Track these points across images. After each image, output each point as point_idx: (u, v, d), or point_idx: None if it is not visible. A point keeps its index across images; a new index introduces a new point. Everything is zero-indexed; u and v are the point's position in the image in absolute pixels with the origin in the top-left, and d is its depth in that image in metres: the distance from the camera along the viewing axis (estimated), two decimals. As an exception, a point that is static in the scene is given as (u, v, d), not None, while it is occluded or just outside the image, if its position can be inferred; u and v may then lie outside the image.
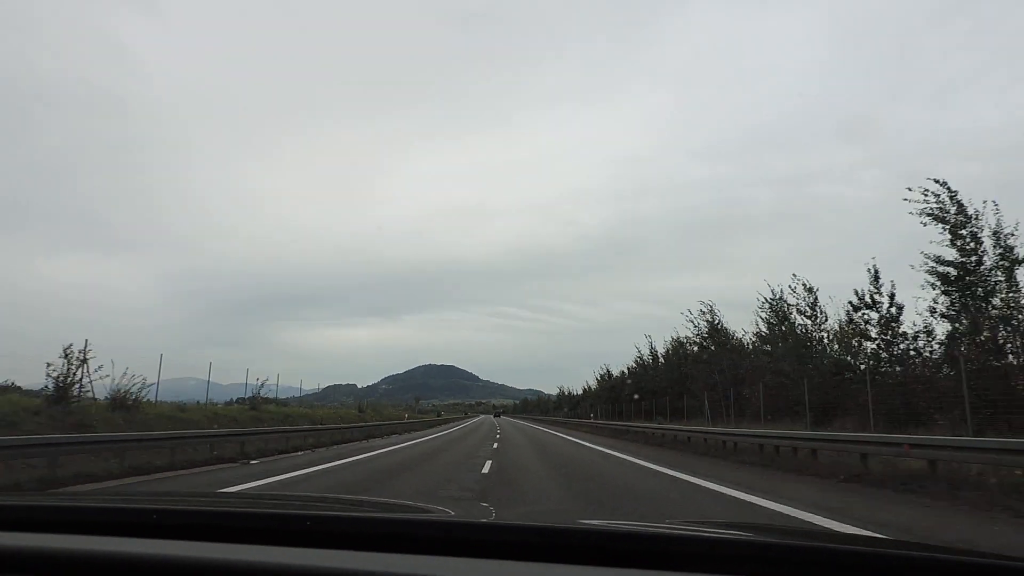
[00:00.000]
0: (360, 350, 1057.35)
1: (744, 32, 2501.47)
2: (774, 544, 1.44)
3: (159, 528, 1.42)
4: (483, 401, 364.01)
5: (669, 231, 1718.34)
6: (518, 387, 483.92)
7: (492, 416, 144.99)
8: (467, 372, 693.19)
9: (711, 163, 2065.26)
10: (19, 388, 23.05)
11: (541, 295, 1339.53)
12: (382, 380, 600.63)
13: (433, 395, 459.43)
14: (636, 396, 43.85)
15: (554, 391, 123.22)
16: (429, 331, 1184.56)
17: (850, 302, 22.34)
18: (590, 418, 56.96)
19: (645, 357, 51.65)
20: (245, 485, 10.36)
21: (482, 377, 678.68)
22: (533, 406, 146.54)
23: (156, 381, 24.08)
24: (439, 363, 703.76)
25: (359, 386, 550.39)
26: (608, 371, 66.46)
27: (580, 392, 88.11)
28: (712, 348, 35.89)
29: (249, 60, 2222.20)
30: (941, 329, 18.94)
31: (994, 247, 17.48)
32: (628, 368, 56.21)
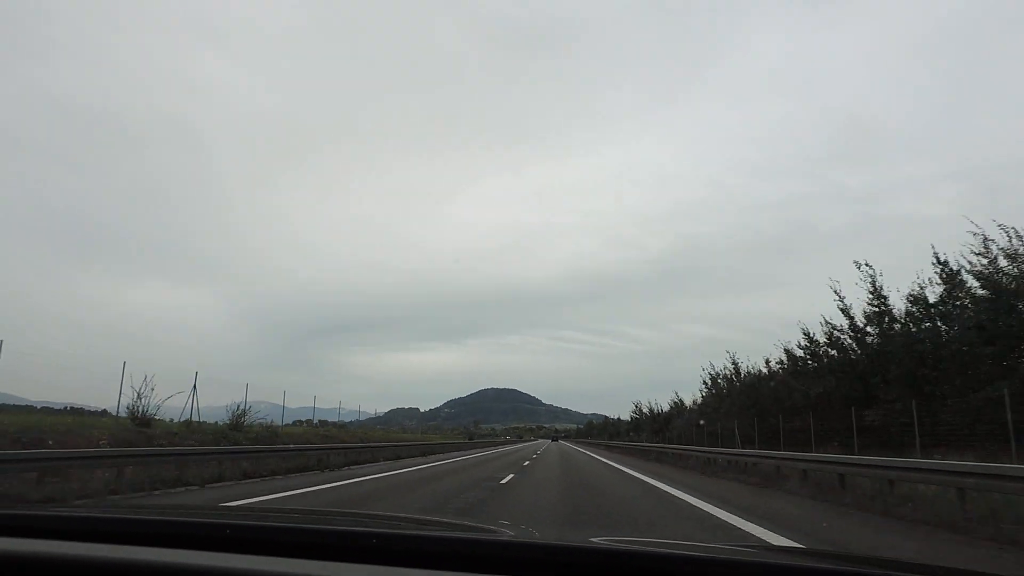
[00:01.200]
0: (424, 374, 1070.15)
1: (810, 46, 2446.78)
2: (794, 567, 1.47)
3: (229, 541, 1.45)
4: (545, 425, 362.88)
5: (733, 252, 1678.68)
6: (581, 411, 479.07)
7: (550, 440, 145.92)
8: (530, 396, 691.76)
9: (776, 181, 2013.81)
10: (107, 412, 26.54)
11: (603, 319, 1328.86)
12: (445, 404, 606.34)
13: (496, 419, 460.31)
14: (702, 422, 42.62)
15: (617, 415, 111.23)
16: (492, 355, 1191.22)
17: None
18: (654, 443, 52.59)
19: (720, 380, 45.97)
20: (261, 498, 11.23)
21: (545, 401, 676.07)
22: (599, 429, 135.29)
23: (245, 402, 27.23)
24: (501, 387, 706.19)
25: (421, 410, 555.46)
26: (680, 399, 60.78)
27: (645, 414, 78.70)
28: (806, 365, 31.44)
29: (315, 92, 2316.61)
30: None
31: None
32: (703, 391, 49.84)
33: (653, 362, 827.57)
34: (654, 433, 61.41)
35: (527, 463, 26.45)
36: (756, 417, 30.32)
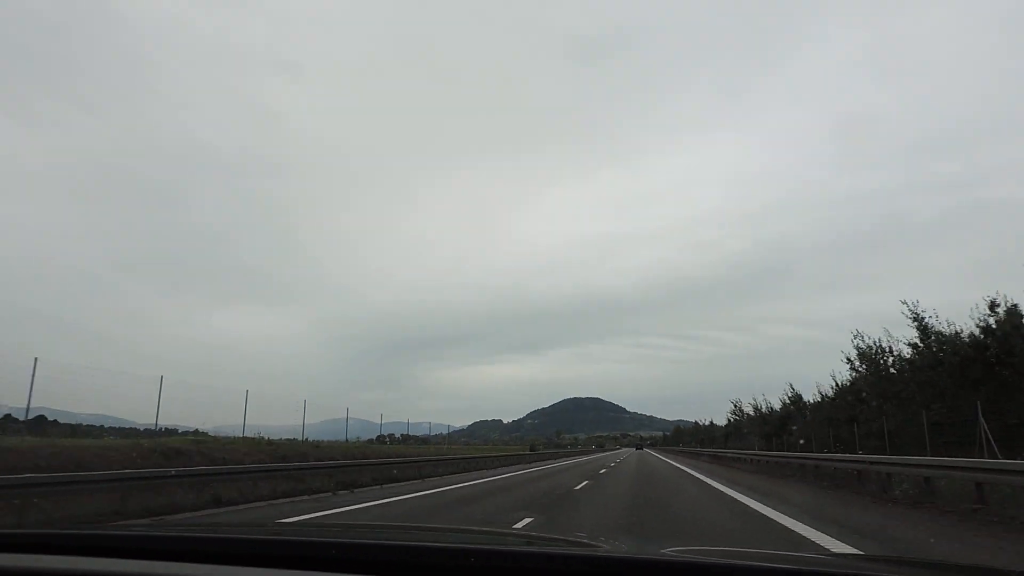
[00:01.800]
0: (506, 386, 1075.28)
1: (891, 33, 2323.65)
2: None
3: (305, 559, 1.49)
4: (630, 433, 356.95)
5: (819, 249, 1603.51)
6: (667, 418, 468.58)
7: (633, 449, 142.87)
8: (614, 404, 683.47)
9: (862, 174, 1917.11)
10: (207, 433, 28.98)
11: (686, 323, 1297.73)
12: (528, 415, 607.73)
13: (580, 428, 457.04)
14: (795, 428, 41.05)
15: (708, 419, 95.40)
16: (573, 365, 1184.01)
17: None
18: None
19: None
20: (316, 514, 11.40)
21: (629, 409, 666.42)
22: (689, 435, 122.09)
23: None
24: (584, 396, 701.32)
25: (504, 421, 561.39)
26: (796, 392, 48.17)
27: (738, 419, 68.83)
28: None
29: (384, 111, 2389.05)
30: None
31: None
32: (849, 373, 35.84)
33: (739, 366, 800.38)
34: (764, 438, 47.32)
35: (580, 486, 18.22)
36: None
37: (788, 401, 47.32)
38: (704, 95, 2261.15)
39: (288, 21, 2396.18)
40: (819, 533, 8.61)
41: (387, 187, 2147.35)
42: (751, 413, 59.14)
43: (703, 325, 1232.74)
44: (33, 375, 17.05)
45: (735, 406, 65.00)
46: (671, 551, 1.71)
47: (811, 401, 42.16)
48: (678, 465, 35.49)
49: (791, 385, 47.30)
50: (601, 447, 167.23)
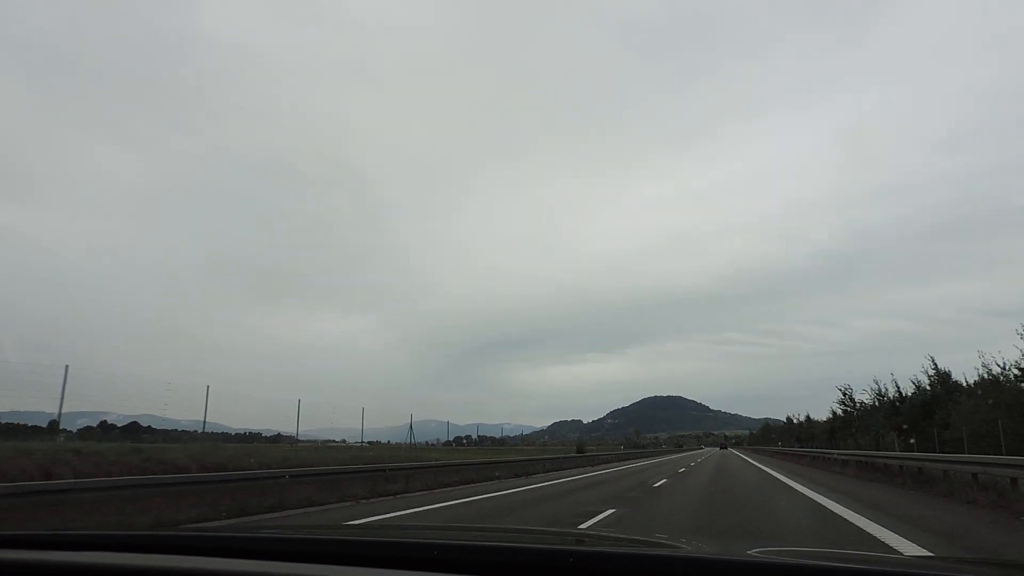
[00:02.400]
0: (585, 386, 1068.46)
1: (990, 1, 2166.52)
2: None
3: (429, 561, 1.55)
4: (713, 432, 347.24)
5: (911, 236, 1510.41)
6: (752, 416, 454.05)
7: (717, 449, 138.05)
8: (695, 403, 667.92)
9: (959, 154, 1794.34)
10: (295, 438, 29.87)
11: (769, 318, 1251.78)
12: (608, 415, 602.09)
13: (660, 427, 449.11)
14: (905, 426, 34.11)
15: (802, 414, 79.12)
16: (653, 363, 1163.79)
17: None
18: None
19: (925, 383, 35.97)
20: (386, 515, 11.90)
21: (712, 407, 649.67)
22: (780, 432, 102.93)
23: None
24: (664, 394, 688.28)
25: (584, 421, 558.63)
26: (944, 370, 36.45)
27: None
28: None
29: (458, 115, 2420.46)
30: None
31: None
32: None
33: (828, 361, 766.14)
34: (896, 432, 33.66)
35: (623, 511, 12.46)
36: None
37: (933, 381, 35.39)
38: (783, 79, 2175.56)
39: (363, 30, 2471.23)
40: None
41: (463, 189, 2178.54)
42: (869, 402, 44.12)
43: (788, 319, 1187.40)
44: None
45: (844, 394, 49.52)
46: (757, 551, 1.71)
47: (969, 382, 31.43)
48: (771, 471, 27.79)
49: (933, 360, 35.19)
50: (679, 447, 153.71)
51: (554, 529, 6.27)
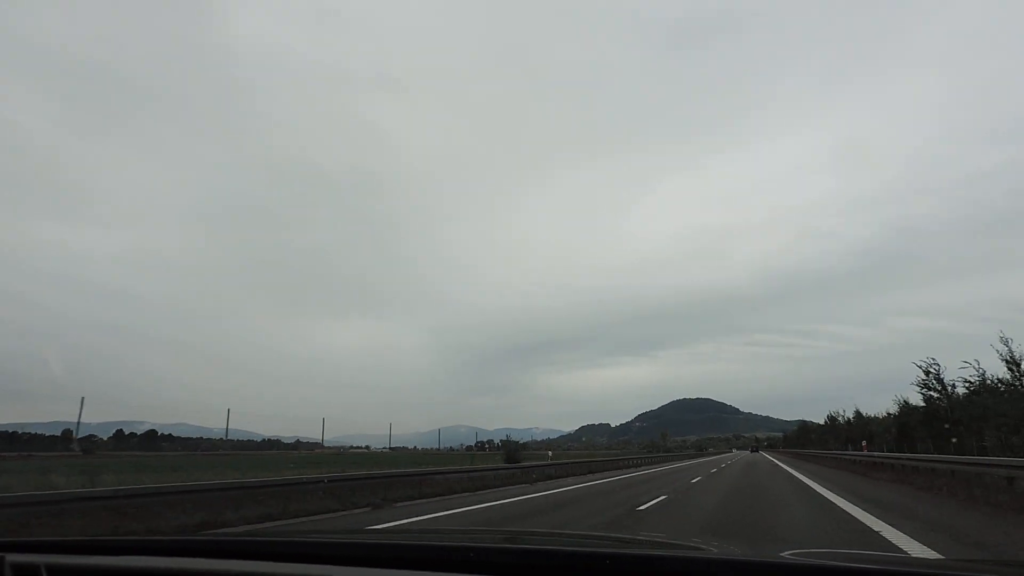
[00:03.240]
0: (614, 389, 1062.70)
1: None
2: None
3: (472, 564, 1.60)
4: (744, 435, 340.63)
5: (953, 232, 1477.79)
6: (784, 418, 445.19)
7: (748, 451, 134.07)
8: (725, 405, 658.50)
9: (1003, 146, 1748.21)
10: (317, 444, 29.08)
11: (803, 319, 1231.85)
12: (636, 418, 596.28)
13: (689, 430, 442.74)
14: (951, 426, 30.64)
15: (845, 414, 64.45)
16: (683, 366, 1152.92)
17: None
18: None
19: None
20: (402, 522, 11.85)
21: (743, 410, 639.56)
22: (820, 433, 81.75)
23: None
24: (694, 397, 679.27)
25: (612, 425, 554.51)
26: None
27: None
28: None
29: (484, 117, 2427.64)
30: None
31: None
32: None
33: (864, 363, 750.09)
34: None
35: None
36: None
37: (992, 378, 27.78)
38: (815, 73, 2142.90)
39: (387, 36, 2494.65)
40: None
41: (491, 193, 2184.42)
42: (962, 387, 31.80)
43: (822, 319, 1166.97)
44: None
45: (928, 373, 34.12)
46: (789, 554, 1.70)
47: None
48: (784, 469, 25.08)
49: (1009, 343, 25.88)
50: (701, 450, 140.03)
51: (586, 532, 6.36)
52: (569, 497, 17.02)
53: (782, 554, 1.70)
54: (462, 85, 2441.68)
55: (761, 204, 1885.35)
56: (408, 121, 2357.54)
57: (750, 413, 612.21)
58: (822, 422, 78.98)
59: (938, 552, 7.47)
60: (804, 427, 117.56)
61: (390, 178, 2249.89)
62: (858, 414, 58.14)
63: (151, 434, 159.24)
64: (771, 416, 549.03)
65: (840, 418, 65.57)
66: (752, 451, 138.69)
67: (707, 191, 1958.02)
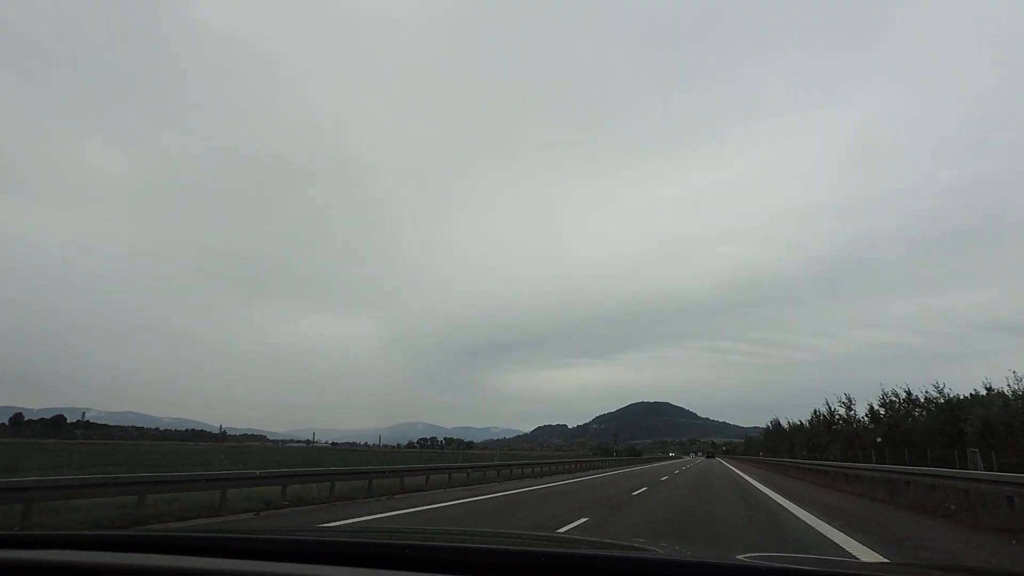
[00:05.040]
0: (573, 391, 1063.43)
1: (995, 9, 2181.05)
2: None
3: (396, 560, 1.58)
4: (699, 439, 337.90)
5: (910, 246, 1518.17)
6: (741, 425, 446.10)
7: (703, 457, 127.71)
8: (683, 409, 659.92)
9: (961, 162, 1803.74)
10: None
11: (763, 327, 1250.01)
12: (594, 420, 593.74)
13: (647, 434, 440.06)
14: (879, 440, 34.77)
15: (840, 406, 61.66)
16: (643, 369, 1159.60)
17: None
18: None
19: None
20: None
21: (700, 415, 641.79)
22: (790, 436, 72.80)
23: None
24: (653, 400, 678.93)
25: (569, 426, 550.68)
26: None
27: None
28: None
29: (452, 112, 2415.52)
30: None
31: None
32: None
33: (821, 372, 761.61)
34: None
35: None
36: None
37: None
38: (787, 84, 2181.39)
39: (360, 25, 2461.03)
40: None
41: (457, 189, 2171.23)
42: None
43: (782, 328, 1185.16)
44: None
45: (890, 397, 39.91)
46: (747, 557, 1.69)
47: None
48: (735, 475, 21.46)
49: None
50: (637, 455, 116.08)
51: (532, 532, 6.68)
52: (455, 516, 13.32)
53: (724, 555, 1.68)
54: (431, 77, 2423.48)
55: (728, 211, 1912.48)
56: (375, 113, 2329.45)
57: (707, 418, 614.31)
58: (778, 427, 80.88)
59: (882, 556, 8.30)
60: (777, 425, 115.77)
61: (358, 169, 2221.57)
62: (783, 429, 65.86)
63: (58, 420, 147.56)
64: (728, 422, 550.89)
65: (790, 424, 68.89)
66: (707, 456, 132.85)
67: (675, 196, 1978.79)
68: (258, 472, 15.55)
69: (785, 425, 69.26)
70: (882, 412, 39.61)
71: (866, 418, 41.45)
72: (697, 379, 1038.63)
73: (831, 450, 43.07)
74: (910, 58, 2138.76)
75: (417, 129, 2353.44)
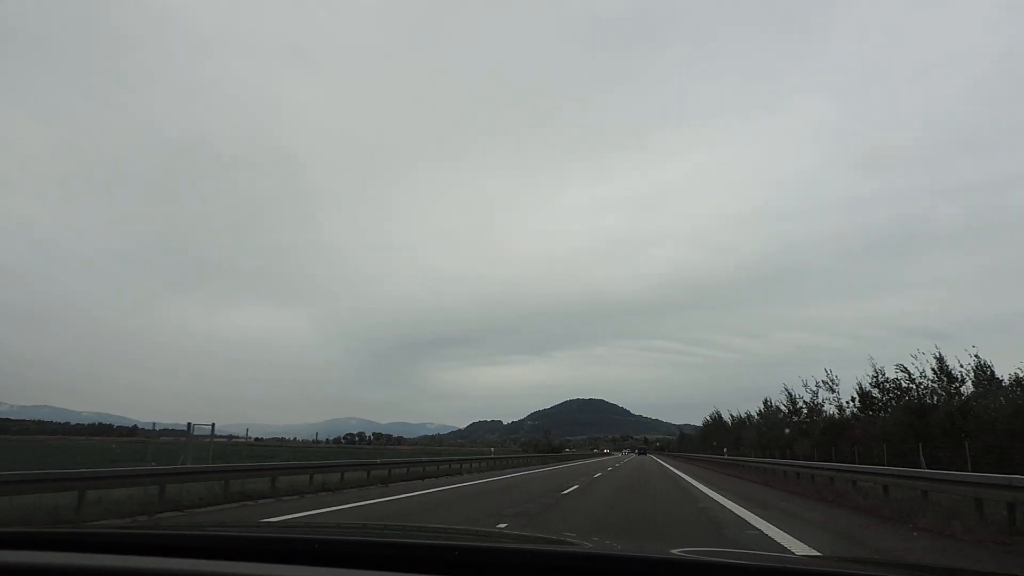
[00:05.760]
0: (509, 387, 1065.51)
1: (923, 23, 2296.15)
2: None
3: (319, 556, 1.53)
4: (634, 436, 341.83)
5: (837, 253, 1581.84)
6: (674, 422, 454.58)
7: (635, 454, 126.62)
8: (617, 407, 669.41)
9: (885, 175, 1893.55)
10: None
11: (696, 327, 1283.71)
12: (529, 416, 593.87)
13: (582, 430, 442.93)
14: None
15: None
16: (579, 367, 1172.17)
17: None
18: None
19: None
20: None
21: (634, 412, 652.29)
22: (730, 432, 79.38)
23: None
24: (587, 398, 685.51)
25: (504, 422, 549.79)
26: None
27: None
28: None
29: (404, 108, 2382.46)
30: None
31: None
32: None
33: (750, 372, 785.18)
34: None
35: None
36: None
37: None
38: (726, 89, 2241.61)
39: (300, 7, 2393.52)
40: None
41: (399, 184, 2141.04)
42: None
43: (714, 330, 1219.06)
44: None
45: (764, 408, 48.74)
46: (679, 551, 1.66)
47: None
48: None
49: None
50: (556, 451, 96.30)
51: (470, 528, 6.57)
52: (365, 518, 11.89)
53: (649, 548, 1.64)
54: (368, 64, 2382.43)
55: (665, 214, 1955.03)
56: (313, 100, 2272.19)
57: (640, 416, 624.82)
58: (703, 426, 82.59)
59: (815, 549, 8.39)
60: (683, 433, 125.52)
61: (298, 159, 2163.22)
62: (725, 423, 64.81)
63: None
64: (661, 420, 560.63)
65: (732, 418, 68.47)
66: (640, 453, 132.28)
67: (613, 197, 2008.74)
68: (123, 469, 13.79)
69: (727, 419, 65.13)
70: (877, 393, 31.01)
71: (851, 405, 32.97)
72: (632, 377, 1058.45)
73: (799, 446, 34.33)
74: (848, 68, 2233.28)
75: (359, 121, 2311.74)
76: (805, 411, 39.29)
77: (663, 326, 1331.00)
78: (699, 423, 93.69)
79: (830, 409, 35.54)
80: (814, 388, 37.01)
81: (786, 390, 41.55)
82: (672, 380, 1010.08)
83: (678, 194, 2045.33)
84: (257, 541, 1.74)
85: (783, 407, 42.78)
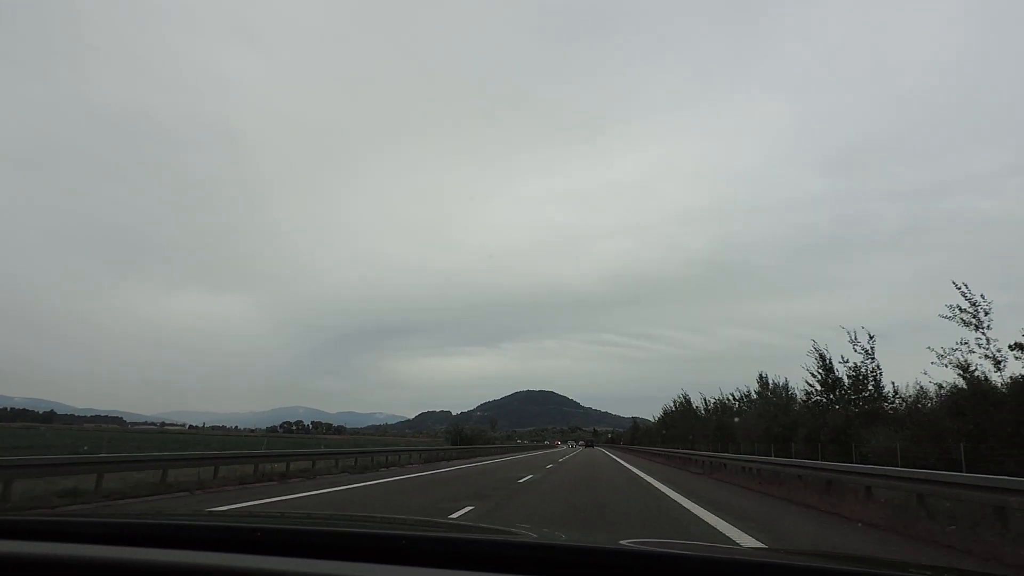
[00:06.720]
0: (459, 378, 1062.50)
1: (871, 28, 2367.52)
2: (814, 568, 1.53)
3: (261, 544, 1.51)
4: (582, 428, 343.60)
5: (782, 252, 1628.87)
6: (622, 415, 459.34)
7: (581, 447, 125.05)
8: (567, 399, 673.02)
9: (830, 176, 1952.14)
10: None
11: (644, 322, 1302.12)
12: (478, 407, 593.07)
13: (530, 422, 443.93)
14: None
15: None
16: (529, 359, 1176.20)
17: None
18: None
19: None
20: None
21: (583, 404, 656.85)
22: (641, 435, 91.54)
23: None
24: (537, 389, 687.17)
25: (453, 413, 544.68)
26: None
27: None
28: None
29: (355, 93, 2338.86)
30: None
31: None
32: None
33: (695, 366, 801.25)
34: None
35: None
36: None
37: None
38: (677, 86, 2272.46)
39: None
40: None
41: (350, 172, 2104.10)
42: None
43: (662, 324, 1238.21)
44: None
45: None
46: (629, 542, 1.66)
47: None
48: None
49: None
50: (487, 443, 76.49)
51: (420, 518, 6.63)
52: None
53: (621, 542, 1.65)
54: (319, 45, 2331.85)
55: (613, 208, 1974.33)
56: (262, 79, 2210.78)
57: (589, 408, 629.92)
58: (652, 419, 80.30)
59: (762, 541, 8.46)
60: (636, 425, 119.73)
61: (247, 143, 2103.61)
62: (694, 410, 57.93)
63: None
64: (610, 412, 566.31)
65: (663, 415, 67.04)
66: (587, 445, 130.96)
67: (564, 190, 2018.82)
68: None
69: (699, 403, 53.37)
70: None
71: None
72: (581, 370, 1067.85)
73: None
74: (798, 70, 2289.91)
75: (310, 107, 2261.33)
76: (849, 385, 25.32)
77: (613, 320, 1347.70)
78: (648, 416, 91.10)
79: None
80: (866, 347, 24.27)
81: (815, 350, 26.64)
82: (621, 373, 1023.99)
83: (630, 188, 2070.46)
84: (199, 530, 1.69)
85: (816, 373, 26.84)
